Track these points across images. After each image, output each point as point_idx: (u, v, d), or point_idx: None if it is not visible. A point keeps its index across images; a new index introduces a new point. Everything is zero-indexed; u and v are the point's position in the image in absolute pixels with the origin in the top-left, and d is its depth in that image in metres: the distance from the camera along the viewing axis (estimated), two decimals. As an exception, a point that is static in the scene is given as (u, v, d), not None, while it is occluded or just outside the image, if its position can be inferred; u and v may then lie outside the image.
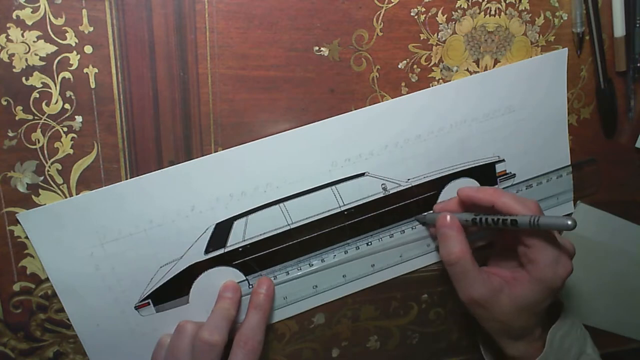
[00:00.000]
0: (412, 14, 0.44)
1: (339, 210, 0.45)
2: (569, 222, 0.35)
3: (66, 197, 0.40)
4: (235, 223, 0.43)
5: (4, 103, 0.37)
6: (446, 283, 0.51)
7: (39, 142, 0.39)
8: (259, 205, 0.43)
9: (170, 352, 0.40)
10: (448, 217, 0.42)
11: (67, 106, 0.39)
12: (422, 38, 0.45)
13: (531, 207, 0.40)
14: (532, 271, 0.40)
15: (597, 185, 0.53)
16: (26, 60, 0.37)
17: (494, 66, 0.47)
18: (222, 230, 0.43)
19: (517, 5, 0.46)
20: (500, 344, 0.45)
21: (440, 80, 0.46)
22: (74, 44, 0.38)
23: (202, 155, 0.42)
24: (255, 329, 0.41)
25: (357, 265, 0.47)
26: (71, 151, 0.39)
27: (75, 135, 0.39)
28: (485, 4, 0.45)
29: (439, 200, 0.47)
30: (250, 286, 0.44)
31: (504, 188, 0.49)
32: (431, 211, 0.47)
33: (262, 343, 0.41)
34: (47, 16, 0.37)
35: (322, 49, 0.43)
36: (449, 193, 0.47)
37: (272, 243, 0.44)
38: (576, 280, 0.54)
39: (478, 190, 0.42)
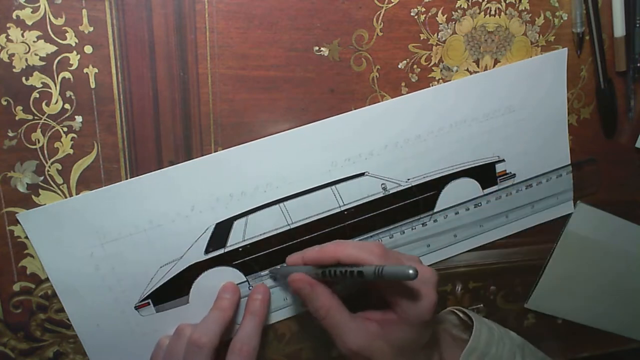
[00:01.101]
0: (412, 14, 0.44)
1: (339, 210, 0.45)
2: (410, 272, 0.33)
3: (66, 197, 0.40)
4: (235, 223, 0.43)
5: (4, 103, 0.37)
6: (447, 283, 0.51)
7: (39, 142, 0.39)
8: (259, 205, 0.43)
9: (168, 354, 0.40)
10: (297, 276, 0.39)
11: (67, 106, 0.39)
12: (422, 38, 0.45)
13: (375, 251, 0.37)
14: (398, 312, 0.38)
15: (597, 185, 0.53)
16: (26, 60, 0.37)
17: (494, 66, 0.47)
18: (222, 230, 0.43)
19: (517, 5, 0.46)
20: None
21: (440, 80, 0.46)
22: (74, 44, 0.38)
23: (202, 155, 0.42)
24: (250, 335, 0.41)
25: (357, 266, 0.47)
26: (71, 151, 0.39)
27: (75, 135, 0.39)
28: (485, 4, 0.45)
29: (438, 202, 0.47)
30: (251, 287, 0.44)
31: (504, 188, 0.49)
32: (284, 264, 0.43)
33: (257, 349, 0.41)
34: (47, 16, 0.37)
35: (322, 49, 0.43)
36: (449, 193, 0.47)
37: (272, 243, 0.44)
38: (576, 281, 0.54)
39: (320, 251, 0.39)
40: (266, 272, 0.44)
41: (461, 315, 0.47)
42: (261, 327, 0.42)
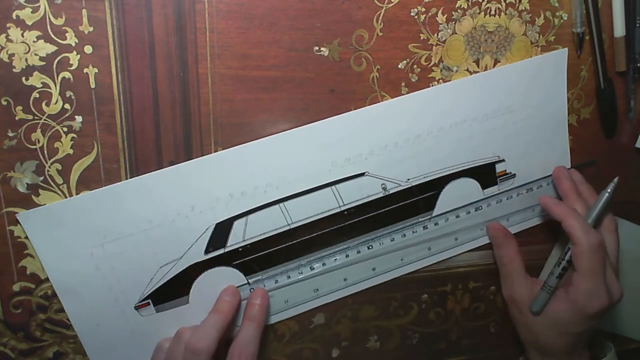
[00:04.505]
0: (412, 14, 0.44)
1: (338, 210, 0.45)
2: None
3: (66, 197, 0.40)
4: (235, 223, 0.43)
5: (4, 103, 0.37)
6: (447, 283, 0.51)
7: (39, 142, 0.39)
8: (259, 205, 0.43)
9: (167, 358, 0.41)
10: (495, 224, 0.49)
11: (67, 106, 0.39)
12: (422, 38, 0.45)
13: (592, 241, 0.42)
14: (569, 291, 0.44)
15: (597, 189, 0.52)
16: (26, 60, 0.37)
17: (494, 66, 0.47)
18: (222, 230, 0.43)
19: (517, 5, 0.46)
20: (530, 357, 0.48)
21: (440, 80, 0.46)
22: (74, 44, 0.38)
23: (202, 155, 0.42)
24: (249, 340, 0.41)
25: (358, 269, 0.47)
26: (71, 151, 0.39)
27: (75, 135, 0.39)
28: (485, 4, 0.45)
29: (438, 201, 0.47)
30: (252, 289, 0.44)
31: (505, 191, 0.49)
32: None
33: (255, 355, 0.41)
34: (47, 16, 0.37)
35: (322, 49, 0.43)
36: (449, 193, 0.47)
37: (272, 243, 0.44)
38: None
39: (556, 205, 0.45)
40: (270, 272, 0.44)
41: None
42: (260, 332, 0.42)
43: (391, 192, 0.46)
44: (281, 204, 0.43)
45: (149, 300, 0.42)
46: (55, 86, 0.38)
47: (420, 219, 0.47)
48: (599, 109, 0.51)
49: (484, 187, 0.48)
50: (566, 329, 0.44)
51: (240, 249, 0.43)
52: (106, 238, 0.40)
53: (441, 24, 0.45)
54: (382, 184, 0.46)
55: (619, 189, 0.52)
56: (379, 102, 0.45)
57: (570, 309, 0.43)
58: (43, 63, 0.38)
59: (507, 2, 0.46)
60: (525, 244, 0.52)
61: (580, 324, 0.44)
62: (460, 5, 0.45)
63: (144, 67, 0.39)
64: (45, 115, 0.38)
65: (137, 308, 0.42)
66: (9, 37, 0.37)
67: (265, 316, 0.44)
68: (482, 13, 0.45)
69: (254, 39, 0.41)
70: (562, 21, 0.48)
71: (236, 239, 0.43)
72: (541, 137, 0.49)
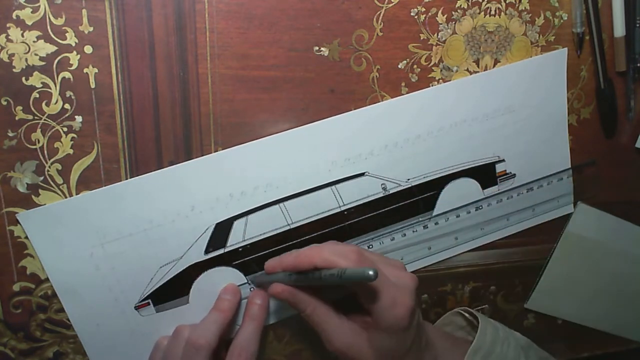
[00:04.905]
0: (412, 14, 0.44)
1: (338, 210, 0.45)
2: (370, 273, 0.32)
3: (66, 197, 0.40)
4: (235, 223, 0.43)
5: (4, 103, 0.37)
6: (447, 283, 0.51)
7: (39, 142, 0.39)
8: (259, 205, 0.43)
9: (165, 355, 0.41)
10: (277, 289, 0.39)
11: (67, 106, 0.39)
12: (422, 38, 0.45)
13: (351, 256, 0.36)
14: (373, 319, 0.37)
15: (597, 188, 0.53)
16: (26, 60, 0.37)
17: (494, 66, 0.47)
18: (222, 230, 0.43)
19: (517, 5, 0.46)
20: None
21: (440, 80, 0.46)
22: (74, 44, 0.38)
23: (202, 155, 0.42)
24: (249, 339, 0.41)
25: (357, 267, 0.47)
26: (71, 151, 0.39)
27: (75, 135, 0.39)
28: (485, 4, 0.45)
29: (438, 201, 0.47)
30: (252, 289, 0.44)
31: (505, 191, 0.49)
32: (263, 272, 0.43)
33: (256, 354, 0.41)
34: (47, 16, 0.37)
35: (322, 49, 0.43)
36: (448, 193, 0.47)
37: (272, 243, 0.44)
38: (576, 281, 0.54)
39: (297, 257, 0.38)
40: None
41: (467, 315, 0.48)
42: (260, 331, 0.42)
43: (391, 192, 0.46)
44: (281, 204, 0.43)
45: (149, 300, 0.42)
46: (55, 86, 0.38)
47: (421, 219, 0.47)
48: (599, 109, 0.51)
49: (484, 187, 0.48)
50: (401, 348, 0.38)
51: (240, 249, 0.43)
52: (106, 238, 0.40)
53: (441, 24, 0.45)
54: (382, 184, 0.46)
55: (619, 189, 0.52)
56: (379, 102, 0.45)
57: (387, 335, 0.37)
58: (43, 63, 0.38)
59: (507, 2, 0.46)
60: (525, 243, 0.52)
61: (405, 338, 0.38)
62: (460, 5, 0.45)
63: (144, 67, 0.39)
64: (45, 115, 0.38)
65: (137, 308, 0.42)
66: (9, 37, 0.37)
67: (266, 316, 0.44)
68: (482, 13, 0.45)
69: (254, 39, 0.41)
70: (562, 21, 0.48)
71: (236, 239, 0.43)
72: (541, 137, 0.49)
